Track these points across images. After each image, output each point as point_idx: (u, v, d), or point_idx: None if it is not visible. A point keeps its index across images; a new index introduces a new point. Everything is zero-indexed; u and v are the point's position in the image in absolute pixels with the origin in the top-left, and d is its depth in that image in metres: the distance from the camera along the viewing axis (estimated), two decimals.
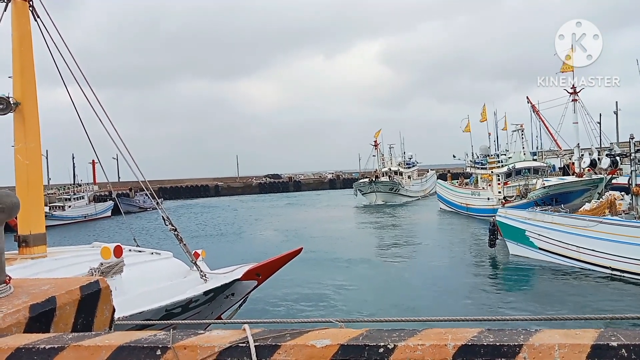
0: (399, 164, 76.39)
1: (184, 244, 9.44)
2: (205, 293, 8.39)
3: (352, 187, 71.03)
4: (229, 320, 9.11)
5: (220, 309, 9.42)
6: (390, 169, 73.17)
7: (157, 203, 9.86)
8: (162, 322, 7.03)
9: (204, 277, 9.05)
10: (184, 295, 8.01)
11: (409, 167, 77.48)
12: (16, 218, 8.37)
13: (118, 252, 7.49)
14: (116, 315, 5.96)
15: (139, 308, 6.78)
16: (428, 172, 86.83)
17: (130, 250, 8.82)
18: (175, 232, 9.38)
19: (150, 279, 8.26)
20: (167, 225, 9.44)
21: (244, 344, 1.98)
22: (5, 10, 8.38)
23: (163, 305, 7.31)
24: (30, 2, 8.52)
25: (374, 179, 66.01)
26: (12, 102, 8.14)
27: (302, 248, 10.16)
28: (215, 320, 8.75)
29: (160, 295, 7.52)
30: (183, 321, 7.60)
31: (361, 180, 71.18)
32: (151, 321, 6.79)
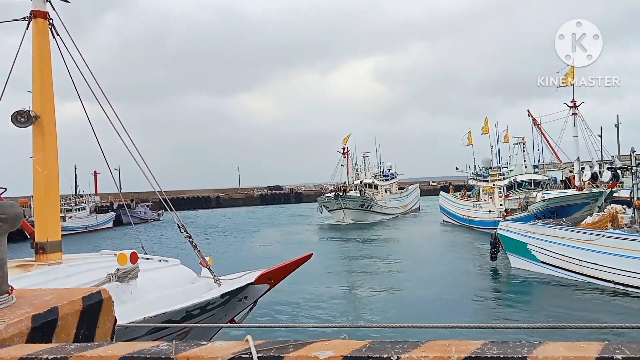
0: (374, 176, 66.89)
1: (198, 250, 9.70)
2: (222, 296, 8.71)
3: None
4: (242, 325, 9.55)
5: (234, 312, 9.67)
6: (361, 182, 62.90)
7: (172, 210, 10.08)
8: (180, 324, 7.40)
9: (217, 282, 9.35)
10: (202, 297, 8.34)
11: (387, 180, 67.55)
12: (33, 226, 8.85)
13: (134, 258, 7.74)
14: (139, 317, 6.46)
15: (160, 310, 7.07)
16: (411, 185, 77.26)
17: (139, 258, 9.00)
18: (190, 239, 9.67)
19: (161, 284, 8.52)
20: (182, 232, 9.71)
21: (247, 355, 1.97)
22: (27, 28, 8.72)
23: (184, 307, 7.63)
24: (51, 21, 8.87)
25: (341, 194, 55.44)
26: (32, 115, 8.47)
27: (312, 254, 10.35)
28: (229, 324, 9.26)
29: (173, 300, 7.79)
30: (198, 324, 7.98)
31: (326, 195, 59.07)
32: (171, 323, 7.13)
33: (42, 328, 2.59)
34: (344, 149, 63.44)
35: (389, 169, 70.95)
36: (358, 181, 63.54)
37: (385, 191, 65.00)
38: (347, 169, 63.93)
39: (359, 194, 57.82)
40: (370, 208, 57.18)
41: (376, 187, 63.87)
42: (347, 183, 61.67)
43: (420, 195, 77.99)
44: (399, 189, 70.62)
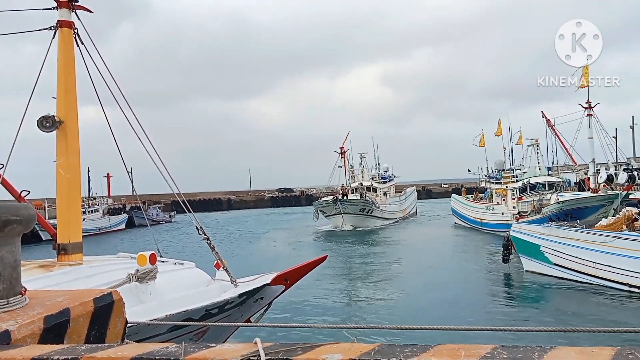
0: (372, 178, 62.40)
1: (216, 252, 9.92)
2: (240, 296, 8.95)
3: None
4: (257, 324, 9.76)
5: (250, 312, 9.85)
6: (361, 184, 58.18)
7: (191, 212, 10.30)
8: (198, 323, 7.58)
9: (234, 283, 9.54)
10: (221, 297, 8.61)
11: (385, 182, 63.76)
12: (55, 228, 9.15)
13: (153, 259, 7.96)
14: (161, 314, 6.69)
15: (180, 308, 7.29)
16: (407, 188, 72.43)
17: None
18: (208, 241, 9.89)
19: (177, 286, 8.72)
20: (200, 234, 9.95)
21: (255, 358, 1.97)
22: (53, 37, 9.06)
23: (204, 305, 7.87)
24: (75, 30, 9.21)
25: (339, 197, 50.81)
26: (56, 120, 8.79)
27: (327, 256, 10.63)
28: (245, 324, 9.50)
29: (190, 301, 7.99)
30: (217, 323, 8.24)
31: (323, 199, 54.72)
32: (191, 320, 7.34)
33: (54, 329, 2.62)
34: (341, 148, 58.73)
35: (386, 171, 66.99)
36: (357, 183, 58.84)
37: (384, 194, 61.03)
38: (345, 170, 59.07)
39: (359, 197, 53.47)
40: (371, 213, 52.78)
41: (374, 189, 59.31)
42: (344, 185, 56.92)
43: (432, 197, 76.55)
44: (396, 192, 66.77)
